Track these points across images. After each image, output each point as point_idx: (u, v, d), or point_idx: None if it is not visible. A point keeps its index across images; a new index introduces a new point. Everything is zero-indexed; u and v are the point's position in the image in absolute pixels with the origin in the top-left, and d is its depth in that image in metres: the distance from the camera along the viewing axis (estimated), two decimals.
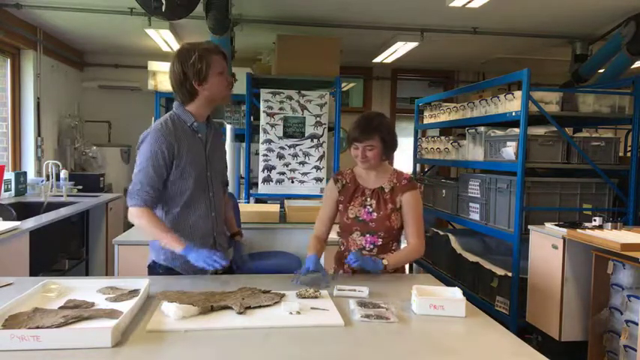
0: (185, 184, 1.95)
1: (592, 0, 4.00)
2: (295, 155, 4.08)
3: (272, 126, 4.07)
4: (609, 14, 4.36)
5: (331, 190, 2.21)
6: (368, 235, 2.11)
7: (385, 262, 1.98)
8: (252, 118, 4.37)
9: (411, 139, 5.27)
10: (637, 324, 2.49)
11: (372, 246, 2.11)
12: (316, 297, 1.70)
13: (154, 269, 2.03)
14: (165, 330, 1.41)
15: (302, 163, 4.09)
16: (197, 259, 1.83)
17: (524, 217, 3.30)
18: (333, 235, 2.30)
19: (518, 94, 3.29)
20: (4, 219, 3.21)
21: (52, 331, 1.30)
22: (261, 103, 4.07)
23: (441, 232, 4.42)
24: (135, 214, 1.91)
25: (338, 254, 2.23)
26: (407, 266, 2.29)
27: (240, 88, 4.16)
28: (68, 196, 4.45)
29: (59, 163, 4.61)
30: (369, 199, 2.12)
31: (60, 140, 5.78)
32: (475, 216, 3.83)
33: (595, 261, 2.77)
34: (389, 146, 2.11)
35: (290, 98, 4.07)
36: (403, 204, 2.09)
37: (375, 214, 2.09)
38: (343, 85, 5.64)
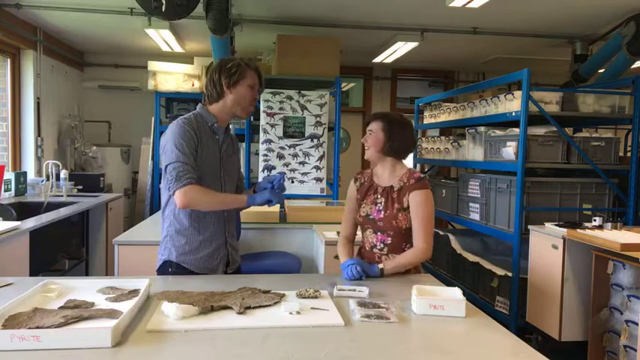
0: (201, 177, 1.98)
1: (592, 0, 4.00)
2: (295, 155, 4.08)
3: (272, 126, 4.07)
4: (609, 14, 4.36)
5: (351, 189, 2.25)
6: (379, 234, 2.12)
7: (381, 266, 2.01)
8: (252, 118, 4.37)
9: None
10: (637, 324, 2.49)
11: (382, 245, 2.11)
12: (316, 297, 1.70)
13: (165, 268, 2.04)
14: (165, 330, 1.41)
15: (302, 163, 4.09)
16: (263, 199, 1.98)
17: (524, 217, 3.30)
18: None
19: (518, 94, 3.29)
20: (4, 219, 3.21)
21: (52, 331, 1.30)
22: (261, 103, 4.07)
23: (441, 232, 4.43)
24: (188, 193, 1.89)
25: (358, 250, 2.25)
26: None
27: None
28: (68, 196, 4.45)
29: (59, 163, 4.60)
30: (379, 197, 2.13)
31: (60, 140, 5.78)
32: (475, 216, 3.83)
33: (595, 261, 2.77)
34: (393, 141, 2.09)
35: (290, 98, 4.07)
36: (410, 203, 2.07)
37: (383, 212, 2.10)
38: (343, 85, 5.65)
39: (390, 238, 2.10)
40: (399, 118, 2.15)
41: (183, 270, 2.01)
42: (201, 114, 2.05)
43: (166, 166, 1.93)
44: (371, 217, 2.12)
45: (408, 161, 5.32)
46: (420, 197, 2.06)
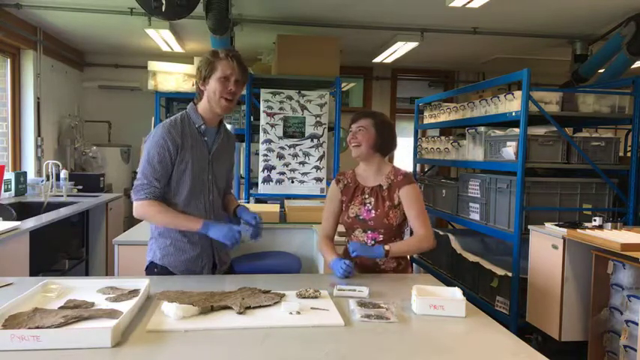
0: (184, 183, 1.98)
1: (592, 0, 4.00)
2: (295, 155, 4.08)
3: (272, 126, 4.07)
4: (609, 14, 4.36)
5: (334, 190, 2.27)
6: (369, 232, 2.15)
7: (387, 247, 2.02)
8: (252, 118, 4.37)
9: (411, 139, 5.27)
10: (637, 324, 2.49)
11: (373, 242, 2.16)
12: (316, 297, 1.71)
13: (151, 270, 2.04)
14: (165, 330, 1.41)
15: (302, 163, 4.08)
16: (217, 235, 1.91)
17: (524, 217, 3.30)
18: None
19: (518, 94, 3.29)
20: (4, 219, 3.21)
21: (52, 331, 1.30)
22: (261, 103, 4.07)
23: (441, 232, 4.42)
24: (142, 207, 1.93)
25: (344, 251, 2.27)
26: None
27: None
28: (68, 196, 4.45)
29: (59, 163, 4.60)
30: (368, 197, 2.17)
31: (60, 140, 5.79)
32: (475, 216, 3.83)
33: (595, 261, 2.77)
34: (383, 138, 2.15)
35: (290, 98, 4.07)
36: (402, 199, 2.12)
37: (374, 211, 2.13)
38: (343, 85, 5.64)
39: (381, 236, 2.14)
40: (386, 117, 2.25)
41: (167, 272, 2.00)
42: (188, 115, 2.03)
43: (138, 172, 1.97)
44: (361, 217, 2.15)
45: (408, 161, 5.34)
46: (411, 191, 2.13)
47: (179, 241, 2.01)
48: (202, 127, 2.02)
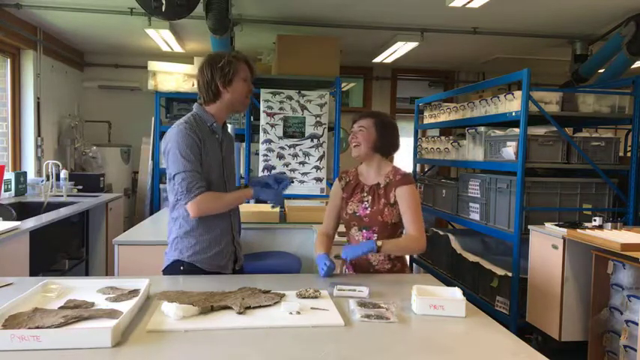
0: (207, 180, 1.99)
1: (592, 0, 4.00)
2: (295, 155, 4.08)
3: (272, 126, 4.07)
4: (609, 14, 4.36)
5: (336, 187, 2.29)
6: (364, 231, 2.15)
7: (379, 243, 1.99)
8: (252, 118, 4.37)
9: (411, 139, 5.27)
10: (637, 324, 2.49)
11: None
12: (316, 297, 1.70)
13: (176, 268, 2.03)
14: (165, 330, 1.41)
15: (302, 163, 4.08)
16: (268, 197, 2.09)
17: (524, 217, 3.30)
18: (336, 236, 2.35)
19: (518, 94, 3.29)
20: (4, 219, 3.21)
21: (52, 331, 1.30)
22: (261, 103, 4.06)
23: (441, 232, 4.42)
24: (199, 203, 1.93)
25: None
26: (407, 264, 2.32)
27: None
28: (68, 196, 4.45)
29: (59, 163, 4.60)
30: (366, 195, 2.18)
31: (60, 140, 5.78)
32: (475, 216, 3.83)
33: (595, 261, 2.77)
34: (384, 139, 2.15)
35: (290, 98, 4.07)
36: (398, 199, 2.12)
37: (369, 209, 2.14)
38: (343, 85, 5.65)
39: (375, 235, 2.13)
40: (389, 118, 2.25)
41: (195, 268, 2.02)
42: (199, 115, 2.05)
43: (174, 175, 1.94)
44: (357, 214, 2.16)
45: (408, 162, 5.34)
46: (407, 191, 2.12)
47: (205, 240, 2.02)
48: (214, 124, 2.05)
